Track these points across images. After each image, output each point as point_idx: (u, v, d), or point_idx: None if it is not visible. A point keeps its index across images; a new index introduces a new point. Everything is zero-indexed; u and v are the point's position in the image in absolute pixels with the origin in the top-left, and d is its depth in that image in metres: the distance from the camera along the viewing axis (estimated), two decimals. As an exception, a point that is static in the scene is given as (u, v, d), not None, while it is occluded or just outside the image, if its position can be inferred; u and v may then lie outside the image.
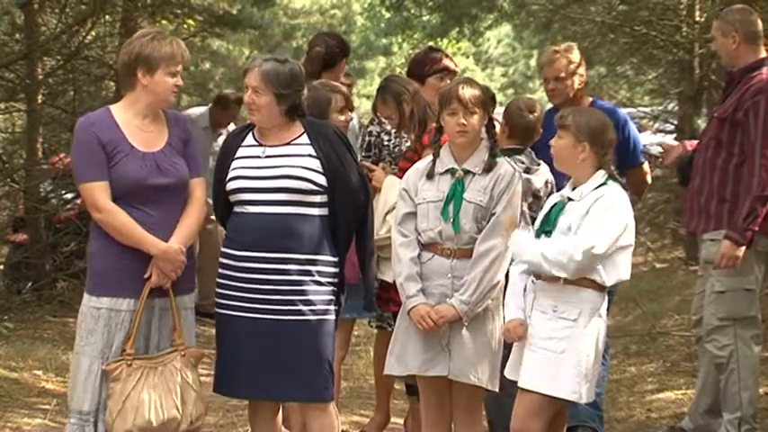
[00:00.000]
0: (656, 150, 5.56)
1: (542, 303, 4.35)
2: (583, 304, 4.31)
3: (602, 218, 4.29)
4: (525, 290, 4.46)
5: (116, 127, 4.38)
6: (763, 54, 5.39)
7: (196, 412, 4.39)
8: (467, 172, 4.60)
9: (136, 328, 4.30)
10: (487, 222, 4.53)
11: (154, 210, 4.35)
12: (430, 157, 4.72)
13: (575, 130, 4.38)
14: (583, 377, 4.29)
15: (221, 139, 9.23)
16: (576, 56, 5.69)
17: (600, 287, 4.35)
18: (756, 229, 5.15)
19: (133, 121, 4.41)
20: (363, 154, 5.98)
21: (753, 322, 5.38)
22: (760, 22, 5.43)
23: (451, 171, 4.62)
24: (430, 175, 4.65)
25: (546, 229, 4.38)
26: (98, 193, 4.31)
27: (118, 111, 4.44)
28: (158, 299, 4.38)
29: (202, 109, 9.52)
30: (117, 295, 4.32)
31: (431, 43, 17.97)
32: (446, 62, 5.93)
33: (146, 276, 4.32)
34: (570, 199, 4.38)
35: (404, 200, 4.71)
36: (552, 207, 4.42)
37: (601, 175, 4.38)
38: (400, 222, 4.69)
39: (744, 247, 5.16)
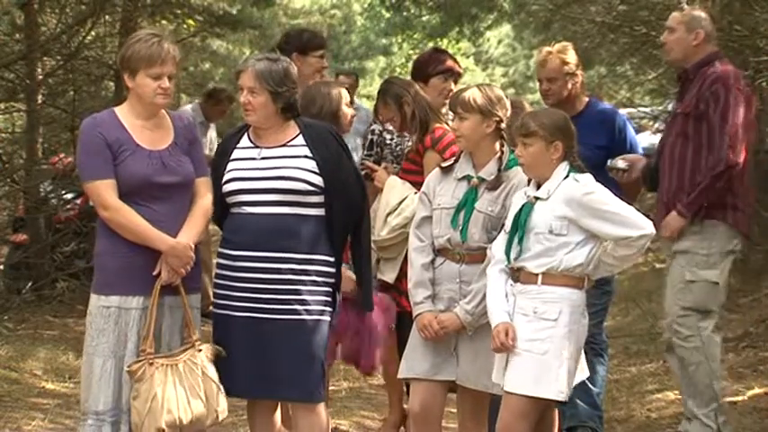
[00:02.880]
0: (621, 165, 5.55)
1: (522, 306, 4.34)
2: (562, 303, 4.31)
3: (607, 210, 4.30)
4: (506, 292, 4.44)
5: (121, 127, 4.39)
6: (714, 50, 5.45)
7: (221, 406, 4.39)
8: (482, 180, 4.60)
9: (151, 325, 4.30)
10: (498, 232, 4.52)
11: (160, 207, 4.35)
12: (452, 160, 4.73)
13: (543, 132, 4.35)
14: (566, 376, 4.29)
15: (209, 133, 9.34)
16: (571, 56, 5.68)
17: (578, 284, 4.35)
18: (704, 204, 5.22)
19: (136, 122, 4.42)
20: (366, 153, 5.98)
21: (713, 315, 5.40)
22: (714, 28, 5.54)
23: (468, 178, 4.62)
24: (447, 176, 4.64)
25: (516, 230, 4.35)
26: (104, 191, 4.31)
27: (122, 112, 4.45)
28: (168, 297, 4.38)
29: (191, 105, 9.57)
30: (126, 293, 4.32)
31: (431, 44, 17.99)
32: (450, 63, 5.92)
33: (155, 273, 4.32)
34: (538, 198, 4.37)
35: (423, 203, 4.72)
36: (521, 209, 4.38)
37: (563, 168, 4.37)
38: (417, 226, 4.70)
39: (684, 219, 5.24)
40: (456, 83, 5.93)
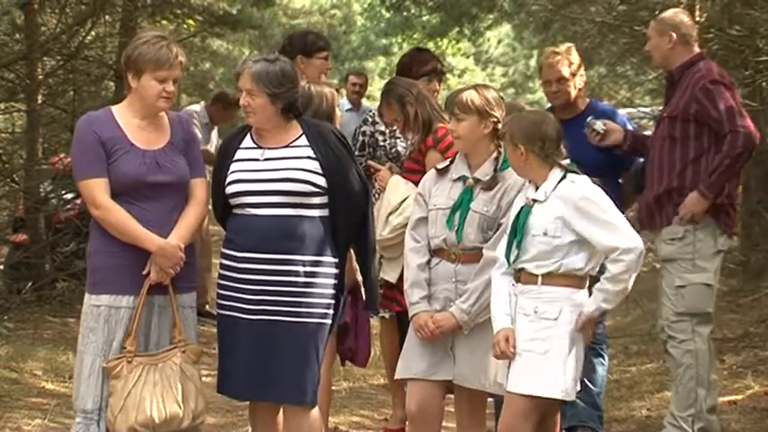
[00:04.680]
0: (599, 127, 5.55)
1: (524, 306, 4.34)
2: (562, 302, 4.31)
3: (601, 217, 4.29)
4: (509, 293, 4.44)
5: (116, 126, 4.39)
6: (696, 51, 5.48)
7: (198, 408, 4.39)
8: (477, 180, 4.60)
9: (136, 324, 4.31)
10: (494, 232, 4.52)
11: (152, 207, 4.35)
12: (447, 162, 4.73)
13: (509, 137, 4.38)
14: (567, 375, 4.29)
15: (213, 135, 9.36)
16: (575, 57, 5.71)
17: (579, 284, 4.35)
18: (723, 185, 5.23)
19: (133, 121, 4.42)
20: (357, 153, 5.97)
21: (709, 319, 5.43)
22: (695, 30, 5.56)
23: (463, 178, 4.62)
24: (442, 177, 4.65)
25: (514, 236, 4.35)
26: (96, 189, 4.31)
27: (119, 111, 4.45)
28: (158, 296, 4.38)
29: (198, 106, 9.58)
30: (116, 292, 4.33)
31: (431, 44, 17.99)
32: (433, 63, 5.91)
33: (144, 273, 4.33)
34: (535, 200, 4.37)
35: (419, 204, 4.72)
36: (520, 212, 4.39)
37: (558, 171, 4.38)
38: (413, 227, 4.70)
39: (706, 203, 5.23)
40: (440, 82, 5.92)
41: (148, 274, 4.32)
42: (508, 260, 4.38)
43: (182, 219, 4.42)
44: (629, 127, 5.85)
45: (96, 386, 4.32)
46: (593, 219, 4.29)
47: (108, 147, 4.33)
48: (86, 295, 4.40)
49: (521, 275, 4.37)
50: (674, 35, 5.43)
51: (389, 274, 5.31)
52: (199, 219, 4.50)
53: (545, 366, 4.27)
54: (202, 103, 9.76)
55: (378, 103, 6.08)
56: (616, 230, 4.28)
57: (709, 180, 5.25)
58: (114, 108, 4.48)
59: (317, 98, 5.04)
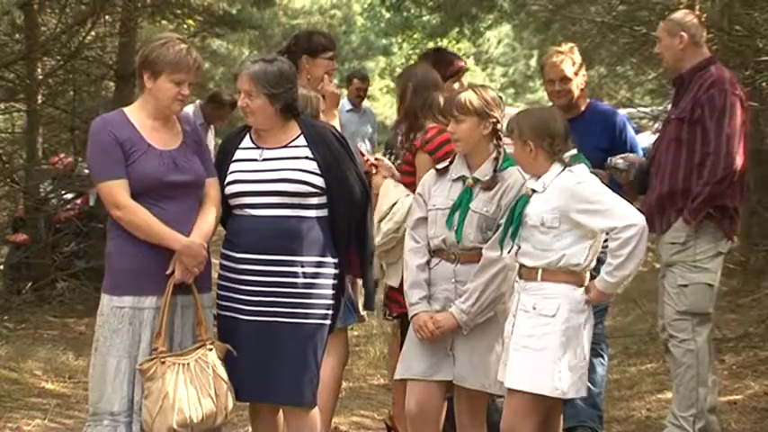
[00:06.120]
0: (622, 165, 5.53)
1: (524, 302, 4.36)
2: (560, 299, 4.32)
3: (595, 200, 4.31)
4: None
5: (132, 127, 4.38)
6: (707, 54, 5.47)
7: (230, 404, 4.40)
8: (477, 180, 4.60)
9: (164, 324, 4.30)
10: (494, 232, 4.53)
11: (171, 207, 4.34)
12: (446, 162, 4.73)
13: (518, 133, 4.39)
14: (564, 372, 4.29)
15: (209, 135, 9.33)
16: (578, 56, 5.72)
17: (578, 281, 4.36)
18: (706, 211, 5.24)
19: (147, 122, 4.41)
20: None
21: (708, 319, 5.44)
22: (704, 31, 5.55)
23: (462, 179, 4.63)
24: (442, 177, 4.66)
25: (510, 224, 4.37)
26: (117, 191, 4.29)
27: (132, 112, 4.45)
28: (180, 296, 4.37)
29: (192, 106, 9.56)
30: (139, 293, 4.31)
31: (431, 44, 17.97)
32: (457, 63, 5.90)
33: (168, 272, 4.32)
34: (534, 191, 4.39)
35: (418, 205, 4.72)
36: (517, 201, 4.42)
37: (559, 165, 4.39)
38: (413, 227, 4.70)
39: (690, 227, 5.26)
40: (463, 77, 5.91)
41: (172, 273, 4.32)
42: (501, 248, 4.39)
43: (201, 218, 4.42)
44: (629, 127, 5.85)
45: (123, 388, 4.30)
46: (587, 201, 4.30)
47: (126, 148, 4.32)
48: (105, 296, 4.37)
49: (522, 271, 4.39)
50: (685, 36, 5.41)
51: (392, 279, 5.29)
52: (216, 218, 4.50)
53: (541, 363, 4.28)
54: (197, 102, 9.72)
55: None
56: (612, 213, 4.29)
57: (692, 206, 5.27)
58: (126, 110, 4.47)
59: (302, 101, 5.02)
